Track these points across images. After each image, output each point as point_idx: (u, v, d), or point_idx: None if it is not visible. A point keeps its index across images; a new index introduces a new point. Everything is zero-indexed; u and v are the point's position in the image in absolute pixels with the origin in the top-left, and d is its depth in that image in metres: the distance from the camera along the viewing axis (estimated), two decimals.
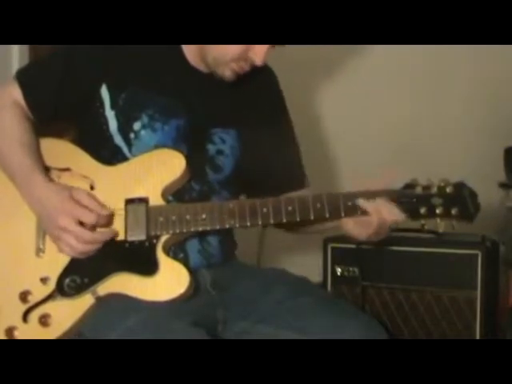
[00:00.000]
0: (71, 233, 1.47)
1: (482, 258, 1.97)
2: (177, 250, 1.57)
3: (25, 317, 1.50)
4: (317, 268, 2.19)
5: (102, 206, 1.50)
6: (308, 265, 2.31)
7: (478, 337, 1.97)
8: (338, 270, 2.13)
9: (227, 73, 1.59)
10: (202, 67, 1.64)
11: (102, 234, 1.49)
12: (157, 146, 1.57)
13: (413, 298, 2.04)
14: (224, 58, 1.56)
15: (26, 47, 2.18)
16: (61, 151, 1.60)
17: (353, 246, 2.09)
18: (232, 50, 1.55)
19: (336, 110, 2.70)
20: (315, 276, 2.09)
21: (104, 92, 1.59)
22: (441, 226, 1.48)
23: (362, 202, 1.48)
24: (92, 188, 1.55)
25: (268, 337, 1.53)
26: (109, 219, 1.51)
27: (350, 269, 2.11)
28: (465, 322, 1.98)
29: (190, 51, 1.63)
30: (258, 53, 1.55)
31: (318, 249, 2.17)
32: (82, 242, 1.47)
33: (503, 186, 2.18)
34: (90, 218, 1.47)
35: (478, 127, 2.66)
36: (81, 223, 1.47)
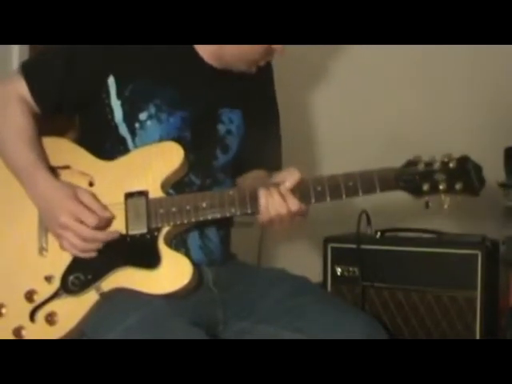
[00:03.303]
0: (71, 230, 1.47)
1: (482, 257, 1.97)
2: (179, 246, 1.57)
3: (32, 316, 1.50)
4: (317, 268, 2.19)
5: (104, 208, 1.51)
6: (308, 265, 2.31)
7: (478, 337, 1.97)
8: (338, 270, 2.13)
9: (252, 68, 1.63)
10: (214, 62, 1.64)
11: (102, 233, 1.50)
12: (161, 138, 1.58)
13: (413, 297, 2.04)
14: (253, 57, 1.60)
15: (26, 47, 2.18)
16: (60, 149, 1.60)
17: (353, 246, 2.09)
18: (261, 49, 1.57)
19: (335, 109, 2.70)
20: (315, 276, 2.09)
21: (111, 82, 1.58)
22: (446, 201, 1.44)
23: (261, 193, 1.48)
24: (91, 184, 1.55)
25: (268, 337, 1.53)
26: (109, 222, 1.51)
27: (350, 269, 2.11)
28: (465, 322, 1.98)
29: (202, 47, 1.63)
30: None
31: (318, 249, 2.17)
32: (82, 240, 1.48)
33: (503, 185, 2.18)
34: (90, 218, 1.48)
35: (478, 127, 2.66)
36: (81, 222, 1.47)
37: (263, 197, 1.48)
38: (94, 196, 1.52)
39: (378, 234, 2.14)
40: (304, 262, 2.37)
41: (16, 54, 2.16)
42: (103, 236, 1.50)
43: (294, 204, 1.48)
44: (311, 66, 2.66)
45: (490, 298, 2.02)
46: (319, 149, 2.73)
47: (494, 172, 2.18)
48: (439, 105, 2.72)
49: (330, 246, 2.15)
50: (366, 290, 2.08)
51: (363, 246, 2.08)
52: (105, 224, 1.50)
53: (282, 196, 1.47)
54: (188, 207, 1.50)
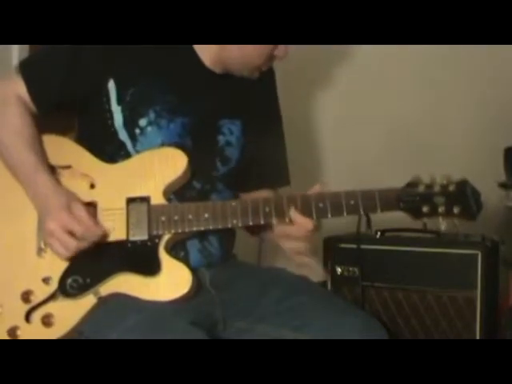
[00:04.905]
0: (56, 238, 1.47)
1: (482, 257, 1.97)
2: (178, 249, 1.57)
3: (27, 317, 1.50)
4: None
5: (96, 224, 1.49)
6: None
7: (477, 337, 1.96)
8: (338, 270, 2.13)
9: (256, 74, 1.64)
10: (215, 67, 1.64)
11: (85, 245, 1.48)
12: (163, 144, 1.57)
13: (413, 297, 2.04)
14: (257, 62, 1.60)
15: (26, 47, 2.18)
16: (62, 148, 1.60)
17: (353, 246, 2.09)
18: (264, 54, 1.58)
19: (335, 110, 2.69)
20: (315, 276, 2.09)
21: (111, 87, 1.58)
22: (443, 224, 1.47)
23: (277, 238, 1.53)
24: (92, 186, 1.55)
25: (267, 336, 1.53)
26: (101, 237, 1.50)
27: (350, 269, 2.10)
28: (465, 321, 1.98)
29: (204, 51, 1.63)
30: (281, 47, 1.59)
31: (318, 249, 2.17)
32: (66, 249, 1.47)
33: (503, 186, 2.18)
34: (77, 229, 1.46)
35: (478, 127, 2.66)
36: (68, 232, 1.46)
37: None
38: (88, 211, 1.49)
39: (378, 233, 2.14)
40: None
41: (16, 54, 2.16)
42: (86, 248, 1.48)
43: (308, 223, 1.49)
44: (312, 69, 2.65)
45: (490, 298, 2.02)
46: (321, 150, 2.72)
47: (493, 172, 2.18)
48: (439, 105, 2.72)
49: (330, 246, 2.14)
50: (366, 290, 2.08)
51: (363, 246, 2.08)
52: (96, 239, 1.49)
53: (292, 222, 1.49)
54: (190, 216, 1.50)
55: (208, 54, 1.63)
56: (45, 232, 1.49)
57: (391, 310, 2.06)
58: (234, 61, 1.61)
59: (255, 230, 1.68)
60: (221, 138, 1.65)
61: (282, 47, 1.59)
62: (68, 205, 1.49)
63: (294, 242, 1.52)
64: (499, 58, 2.57)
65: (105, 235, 1.50)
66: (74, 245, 1.47)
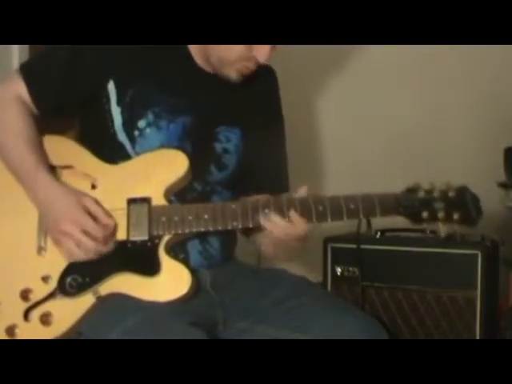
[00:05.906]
0: (74, 239, 1.46)
1: (481, 257, 1.97)
2: (178, 251, 1.57)
3: (26, 315, 1.50)
4: (317, 268, 2.19)
5: (109, 215, 1.50)
6: (308, 265, 2.32)
7: (477, 337, 1.97)
8: (338, 270, 2.13)
9: (233, 74, 1.59)
10: (207, 67, 1.64)
11: (105, 248, 1.48)
12: (162, 146, 1.57)
13: (413, 297, 2.04)
14: (229, 57, 1.57)
15: (26, 47, 2.18)
16: (63, 148, 1.60)
17: (353, 246, 2.09)
18: (236, 50, 1.55)
19: (335, 112, 2.69)
20: (315, 276, 2.08)
21: (111, 88, 1.58)
22: (443, 229, 1.48)
23: (263, 221, 1.49)
24: (94, 187, 1.55)
25: (268, 337, 1.53)
26: (114, 230, 1.50)
27: (350, 269, 2.11)
28: (465, 322, 1.98)
29: (196, 52, 1.63)
30: (261, 50, 1.55)
31: (318, 249, 2.17)
32: (84, 251, 1.47)
33: (503, 186, 2.19)
34: (96, 231, 1.46)
35: (478, 127, 2.66)
36: (86, 233, 1.46)
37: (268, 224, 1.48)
38: (97, 202, 1.50)
39: (378, 233, 2.14)
40: (304, 262, 2.37)
41: (16, 54, 2.16)
42: (105, 250, 1.49)
43: (303, 227, 1.48)
44: (313, 71, 2.65)
45: (490, 298, 2.02)
46: (321, 151, 2.73)
47: (494, 172, 2.18)
48: (439, 105, 2.72)
49: (330, 246, 2.14)
50: (366, 290, 2.08)
51: (363, 246, 2.08)
52: (109, 233, 1.49)
53: (290, 220, 1.48)
54: (190, 217, 1.50)
55: (196, 52, 1.63)
56: (55, 232, 1.48)
57: (391, 309, 2.06)
58: (215, 60, 1.59)
59: (249, 232, 1.67)
60: (218, 146, 1.65)
61: (261, 49, 1.55)
62: (79, 201, 1.49)
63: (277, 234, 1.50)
64: (499, 57, 2.57)
65: (116, 231, 1.50)
66: (93, 247, 1.46)
